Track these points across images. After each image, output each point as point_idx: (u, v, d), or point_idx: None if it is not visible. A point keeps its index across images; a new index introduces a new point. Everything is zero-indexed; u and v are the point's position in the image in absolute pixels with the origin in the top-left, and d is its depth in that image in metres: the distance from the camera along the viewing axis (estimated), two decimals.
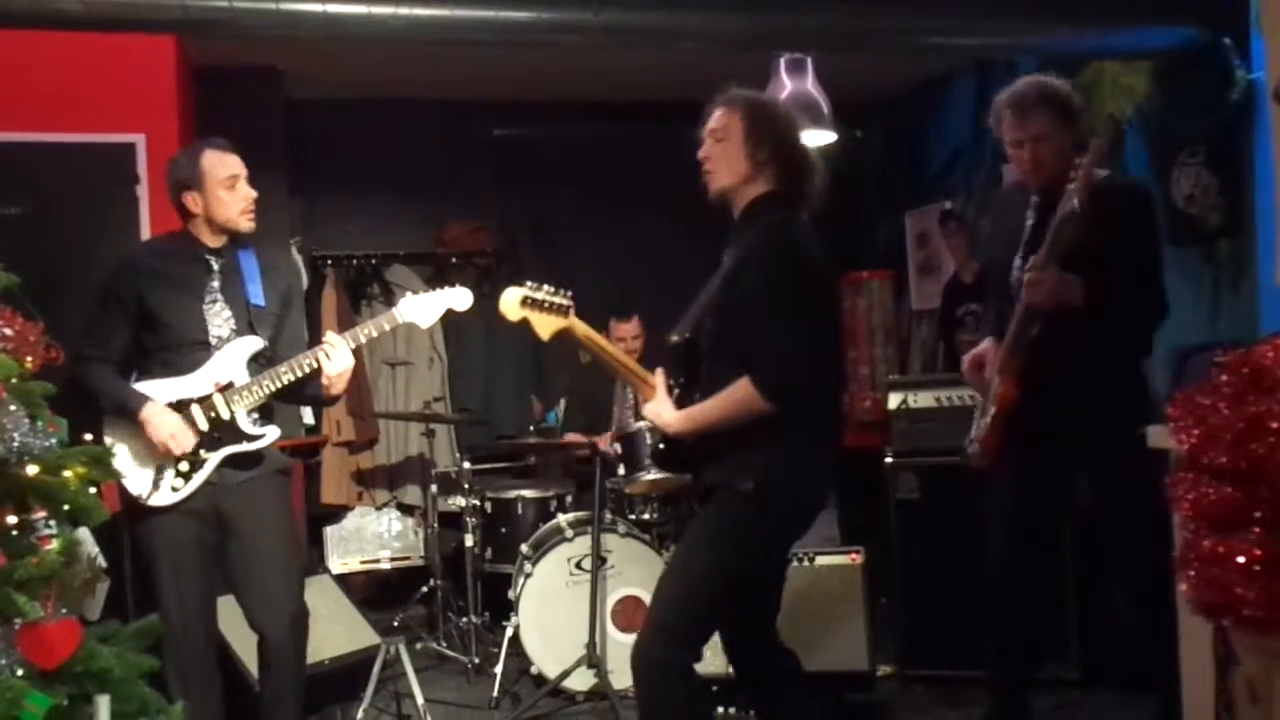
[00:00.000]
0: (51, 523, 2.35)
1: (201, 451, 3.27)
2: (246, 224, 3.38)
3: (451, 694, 4.57)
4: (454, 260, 6.52)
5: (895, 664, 4.43)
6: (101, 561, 2.69)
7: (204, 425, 3.27)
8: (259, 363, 3.37)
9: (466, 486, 5.05)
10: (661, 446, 3.03)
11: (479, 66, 5.65)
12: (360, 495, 6.28)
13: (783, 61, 4.81)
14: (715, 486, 2.86)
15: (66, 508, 2.36)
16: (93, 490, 2.43)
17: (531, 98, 6.41)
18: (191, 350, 3.31)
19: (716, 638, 3.00)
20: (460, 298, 3.48)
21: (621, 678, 3.92)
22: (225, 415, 3.29)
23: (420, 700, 4.08)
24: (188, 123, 4.98)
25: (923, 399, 4.51)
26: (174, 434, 3.22)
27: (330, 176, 6.33)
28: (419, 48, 4.58)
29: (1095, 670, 4.22)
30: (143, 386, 3.30)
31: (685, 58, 5.01)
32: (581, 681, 4.31)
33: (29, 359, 2.40)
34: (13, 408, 2.27)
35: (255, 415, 3.36)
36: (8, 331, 2.37)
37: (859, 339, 6.71)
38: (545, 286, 2.92)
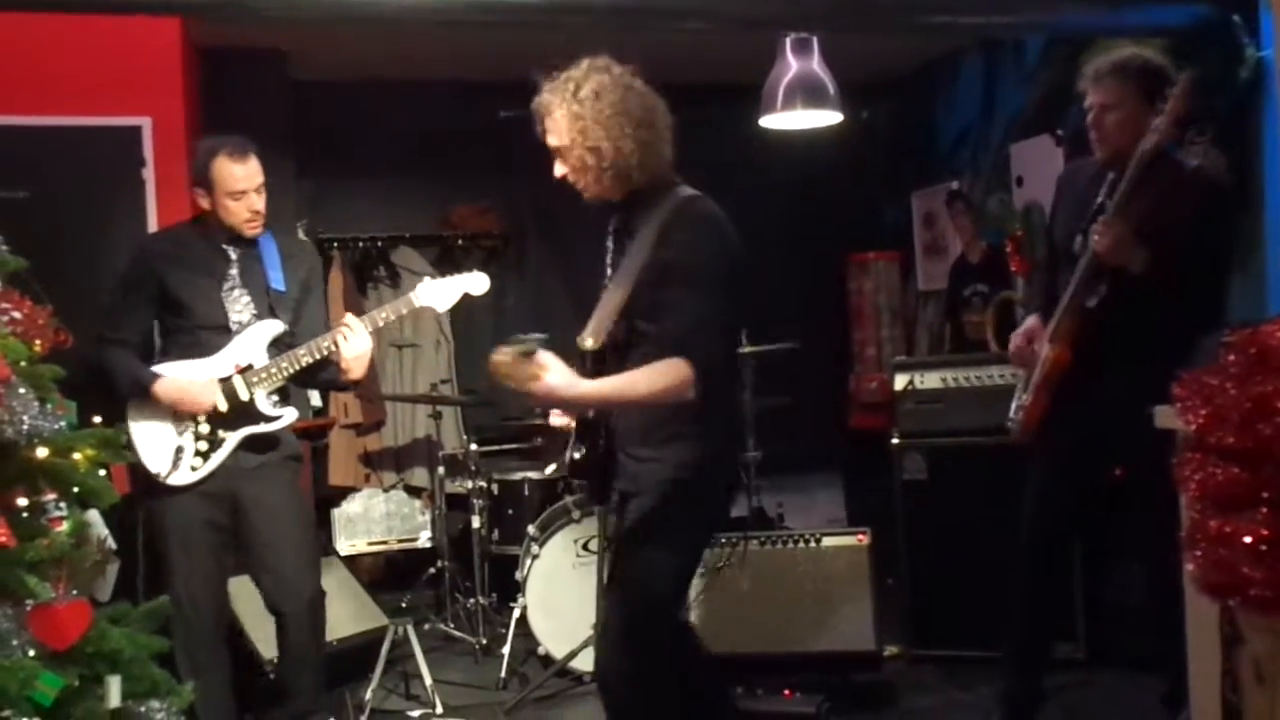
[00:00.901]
0: (62, 505, 2.37)
1: (220, 431, 3.33)
2: (251, 231, 3.42)
3: (459, 674, 4.59)
4: (460, 242, 6.52)
5: (902, 644, 4.45)
6: (111, 543, 2.70)
7: (223, 406, 3.31)
8: (279, 347, 3.42)
9: (473, 468, 5.07)
10: (577, 457, 2.78)
11: (485, 47, 5.63)
12: (367, 477, 6.29)
13: (788, 41, 4.78)
14: (635, 491, 2.71)
15: (76, 490, 2.37)
16: (102, 472, 2.45)
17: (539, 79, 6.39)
18: (213, 334, 3.37)
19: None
20: (477, 282, 3.54)
21: None
22: (244, 396, 3.33)
23: (428, 680, 4.11)
24: (193, 105, 4.97)
25: (929, 380, 4.51)
26: (195, 393, 3.27)
27: (336, 158, 6.32)
28: (424, 29, 4.57)
29: (1102, 650, 4.23)
30: (164, 368, 3.34)
31: (692, 38, 4.99)
32: (588, 662, 4.31)
33: (38, 342, 2.41)
34: (22, 390, 2.28)
35: (274, 398, 3.40)
36: (16, 315, 2.38)
37: (865, 320, 6.70)
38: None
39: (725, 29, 4.27)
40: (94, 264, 4.33)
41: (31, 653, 2.16)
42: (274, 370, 3.36)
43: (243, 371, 3.35)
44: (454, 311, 6.28)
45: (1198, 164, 3.26)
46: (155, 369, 3.34)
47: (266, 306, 3.43)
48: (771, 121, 4.95)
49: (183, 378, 3.31)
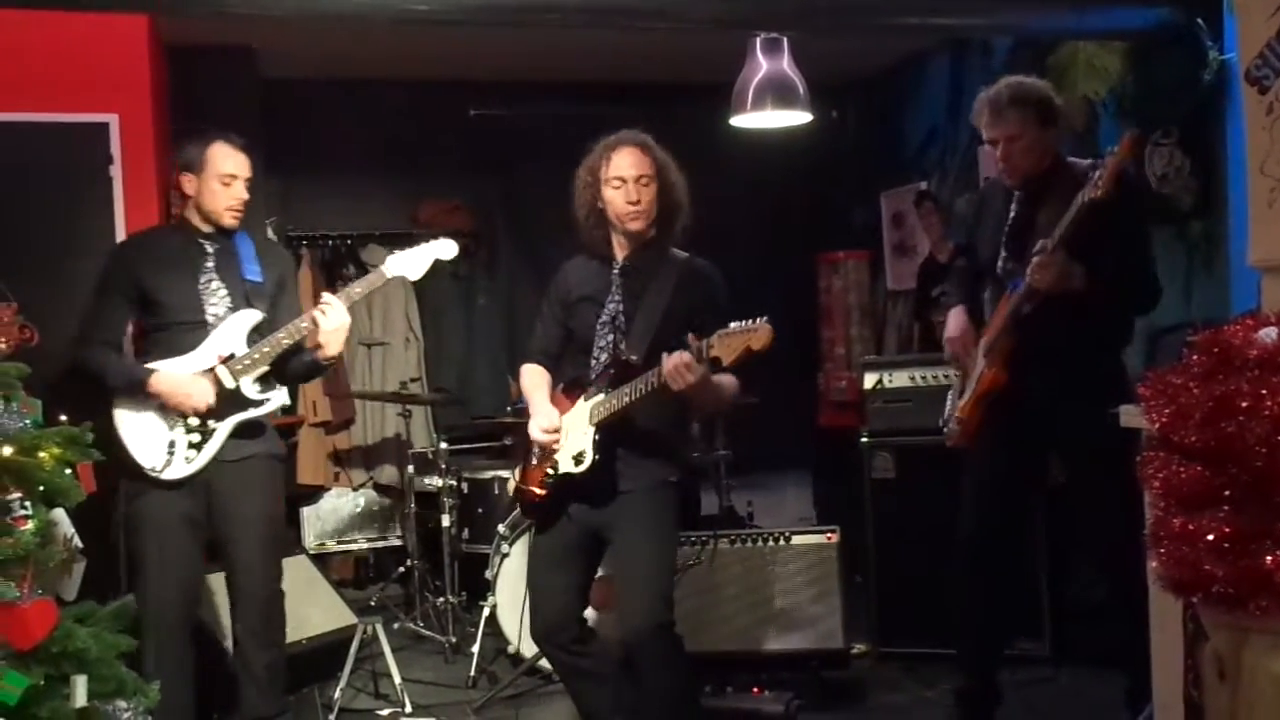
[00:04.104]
0: (27, 503, 2.35)
1: (210, 422, 3.35)
2: (230, 220, 3.45)
3: (429, 673, 4.58)
4: (429, 240, 6.49)
5: (870, 642, 4.47)
6: (78, 542, 2.67)
7: (210, 398, 3.33)
8: (258, 336, 3.44)
9: (443, 467, 5.05)
10: (581, 470, 3.09)
11: (456, 46, 5.61)
12: (337, 476, 6.26)
13: (758, 41, 4.80)
14: (639, 487, 3.13)
15: (42, 488, 2.35)
16: (68, 471, 2.43)
17: (508, 78, 6.37)
18: (190, 330, 3.39)
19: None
20: (445, 248, 3.60)
21: None
22: (230, 385, 3.36)
23: (398, 679, 4.10)
24: (161, 103, 4.93)
25: (898, 379, 4.54)
26: (190, 391, 3.29)
27: (305, 156, 6.27)
28: (393, 27, 4.55)
29: (1066, 647, 4.27)
30: (152, 366, 3.35)
31: (663, 38, 5.00)
32: None
33: (3, 340, 2.39)
34: None
35: (258, 384, 3.43)
36: None
37: (835, 319, 6.72)
38: None
39: (695, 29, 4.28)
40: (61, 261, 4.29)
41: None
42: (256, 356, 3.38)
43: (225, 361, 3.36)
44: (423, 310, 6.35)
45: (1090, 161, 3.33)
46: (146, 365, 3.36)
47: (243, 297, 3.45)
48: (742, 121, 4.96)
49: (176, 372, 3.31)
